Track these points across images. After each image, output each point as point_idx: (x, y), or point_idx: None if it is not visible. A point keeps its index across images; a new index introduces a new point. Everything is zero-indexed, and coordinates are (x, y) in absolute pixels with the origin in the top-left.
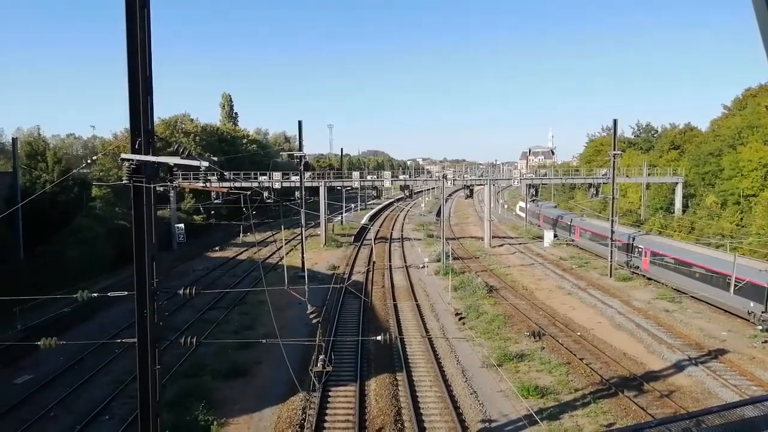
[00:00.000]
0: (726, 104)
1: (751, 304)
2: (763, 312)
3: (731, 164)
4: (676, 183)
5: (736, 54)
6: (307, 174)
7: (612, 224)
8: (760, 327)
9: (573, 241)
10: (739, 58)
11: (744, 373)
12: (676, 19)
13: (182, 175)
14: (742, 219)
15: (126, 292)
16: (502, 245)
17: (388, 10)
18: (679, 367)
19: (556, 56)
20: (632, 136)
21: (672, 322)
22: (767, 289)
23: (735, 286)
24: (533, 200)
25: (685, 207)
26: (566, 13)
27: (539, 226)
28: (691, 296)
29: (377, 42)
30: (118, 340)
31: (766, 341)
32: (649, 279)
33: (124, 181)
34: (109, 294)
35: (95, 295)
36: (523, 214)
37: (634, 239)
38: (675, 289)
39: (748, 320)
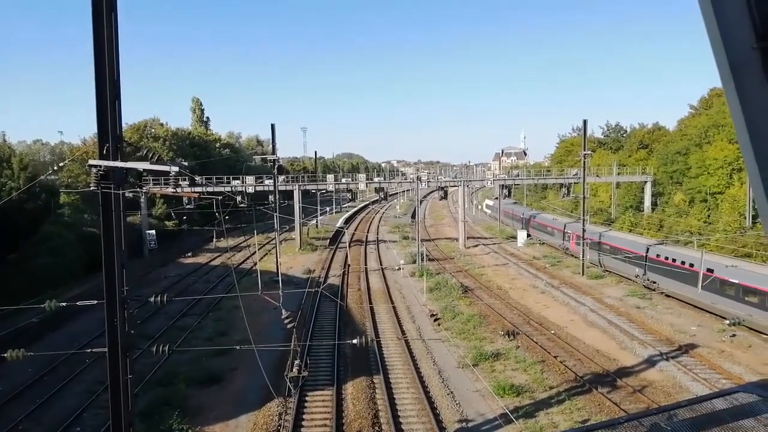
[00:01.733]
0: (692, 104)
1: (636, 270)
2: (643, 275)
3: (698, 163)
4: (645, 182)
5: (702, 53)
6: (281, 177)
7: (583, 223)
8: (728, 321)
9: (530, 235)
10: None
11: (713, 367)
12: (642, 18)
13: (153, 180)
14: (709, 216)
15: (96, 301)
16: (476, 246)
17: (359, 9)
18: (650, 362)
19: (527, 57)
20: (602, 136)
21: (643, 318)
22: (645, 256)
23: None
24: (496, 198)
25: (654, 205)
26: (535, 12)
27: (501, 221)
28: (660, 290)
29: (349, 43)
30: (89, 350)
31: (733, 335)
32: (573, 255)
33: (92, 188)
34: (78, 303)
35: (64, 304)
36: (488, 211)
37: (565, 227)
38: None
39: (635, 282)
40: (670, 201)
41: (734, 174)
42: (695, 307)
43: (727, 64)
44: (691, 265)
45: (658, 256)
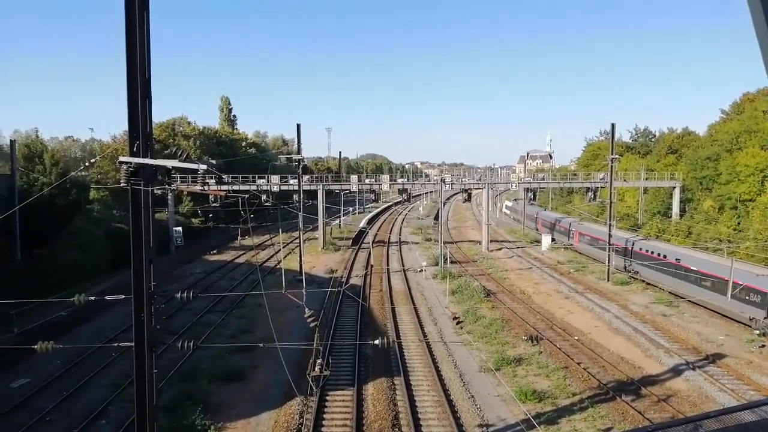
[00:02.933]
0: (724, 109)
1: (586, 247)
2: (629, 265)
3: (728, 169)
4: (674, 187)
5: (735, 58)
6: (306, 177)
7: (609, 228)
8: (758, 331)
9: (536, 228)
10: (738, 62)
11: (741, 378)
12: (674, 23)
13: (180, 178)
14: (739, 223)
15: (123, 296)
16: (500, 249)
17: (387, 12)
18: (676, 371)
19: (554, 59)
20: (630, 141)
21: (669, 326)
22: (626, 248)
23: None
24: (515, 200)
25: (682, 211)
26: (564, 15)
27: (515, 218)
28: (687, 299)
29: (375, 45)
30: (116, 344)
31: (763, 345)
32: (576, 250)
33: (122, 184)
34: (106, 297)
35: (92, 298)
36: (507, 212)
37: (570, 225)
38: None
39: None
40: (699, 207)
41: (766, 181)
42: (723, 315)
43: None
44: (664, 256)
45: (640, 249)
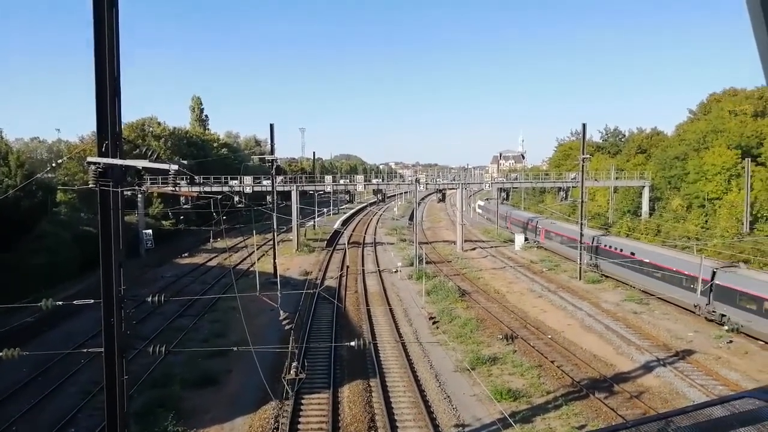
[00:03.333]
0: (691, 109)
1: (551, 243)
2: (590, 260)
3: (696, 168)
4: (643, 186)
5: (701, 59)
6: (279, 178)
7: (581, 227)
8: (726, 327)
9: (507, 227)
10: (704, 63)
11: (710, 373)
12: (642, 24)
13: (150, 179)
14: (707, 221)
15: (92, 300)
16: (474, 249)
17: (358, 12)
18: (647, 368)
19: (526, 61)
20: (600, 141)
21: (640, 323)
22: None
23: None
24: (486, 199)
25: (651, 210)
26: (536, 18)
27: (488, 218)
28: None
29: (349, 45)
30: (84, 350)
31: (731, 341)
32: (542, 246)
33: (90, 185)
34: (74, 302)
35: (60, 303)
36: (480, 211)
37: (537, 222)
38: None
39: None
40: (668, 206)
41: (732, 180)
42: (692, 312)
43: None
44: (621, 250)
45: (605, 246)
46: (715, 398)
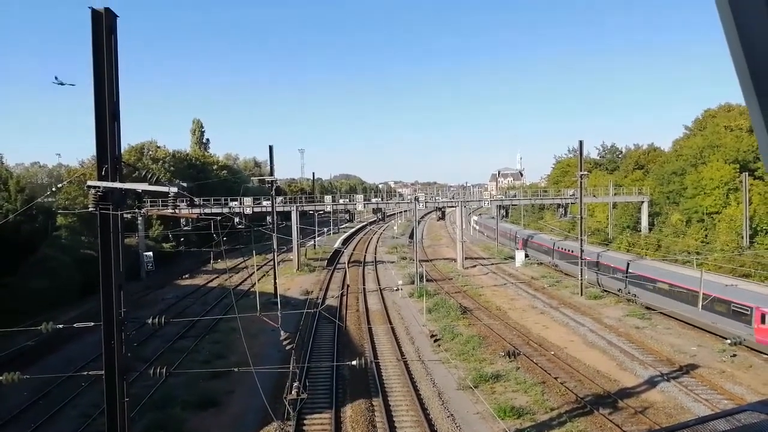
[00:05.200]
0: (687, 125)
1: (549, 258)
2: (552, 260)
3: (694, 183)
4: (642, 202)
5: (696, 76)
6: (279, 199)
7: (581, 243)
8: (729, 341)
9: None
10: (699, 80)
11: (715, 387)
12: (637, 42)
13: (150, 201)
14: (706, 236)
15: (93, 323)
16: (474, 266)
17: (357, 33)
18: (651, 383)
19: (524, 80)
20: (598, 157)
21: (643, 338)
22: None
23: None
24: (480, 214)
25: (651, 225)
26: (531, 36)
27: (480, 231)
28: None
29: (346, 66)
30: (85, 373)
31: (734, 355)
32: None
33: (90, 209)
34: (75, 325)
35: (60, 326)
36: (476, 226)
37: (516, 233)
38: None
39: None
40: (668, 221)
41: (731, 194)
42: (695, 327)
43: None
44: (572, 251)
45: (562, 248)
46: (718, 412)
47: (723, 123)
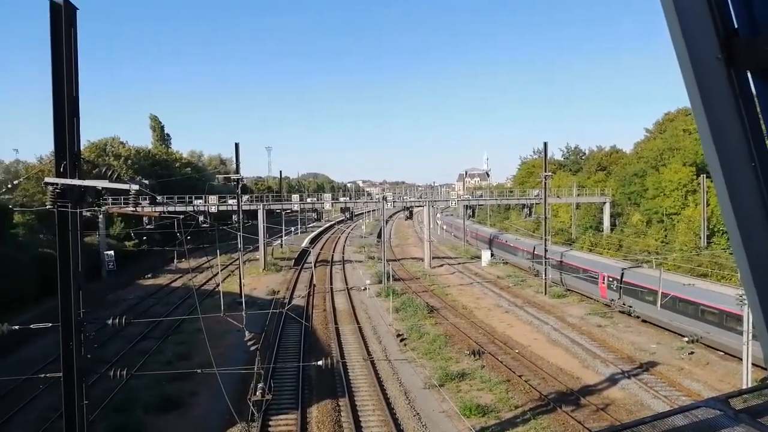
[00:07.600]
0: (648, 128)
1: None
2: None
3: (654, 184)
4: (604, 202)
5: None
6: (245, 197)
7: (545, 243)
8: (686, 339)
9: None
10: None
11: (673, 384)
12: (600, 47)
13: (112, 199)
14: (666, 236)
15: (51, 324)
16: (441, 265)
17: (324, 32)
18: (612, 380)
19: (490, 82)
20: (562, 158)
21: (605, 336)
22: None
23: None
24: (442, 213)
25: (613, 225)
26: (498, 38)
27: (454, 234)
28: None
29: (313, 62)
30: (43, 375)
31: (692, 352)
32: (470, 244)
33: (48, 206)
34: (32, 326)
35: (16, 327)
36: (440, 223)
37: (467, 226)
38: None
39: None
40: (629, 221)
41: (689, 195)
42: (655, 325)
43: (693, 76)
44: (507, 242)
45: (501, 240)
46: (676, 408)
47: (682, 126)
